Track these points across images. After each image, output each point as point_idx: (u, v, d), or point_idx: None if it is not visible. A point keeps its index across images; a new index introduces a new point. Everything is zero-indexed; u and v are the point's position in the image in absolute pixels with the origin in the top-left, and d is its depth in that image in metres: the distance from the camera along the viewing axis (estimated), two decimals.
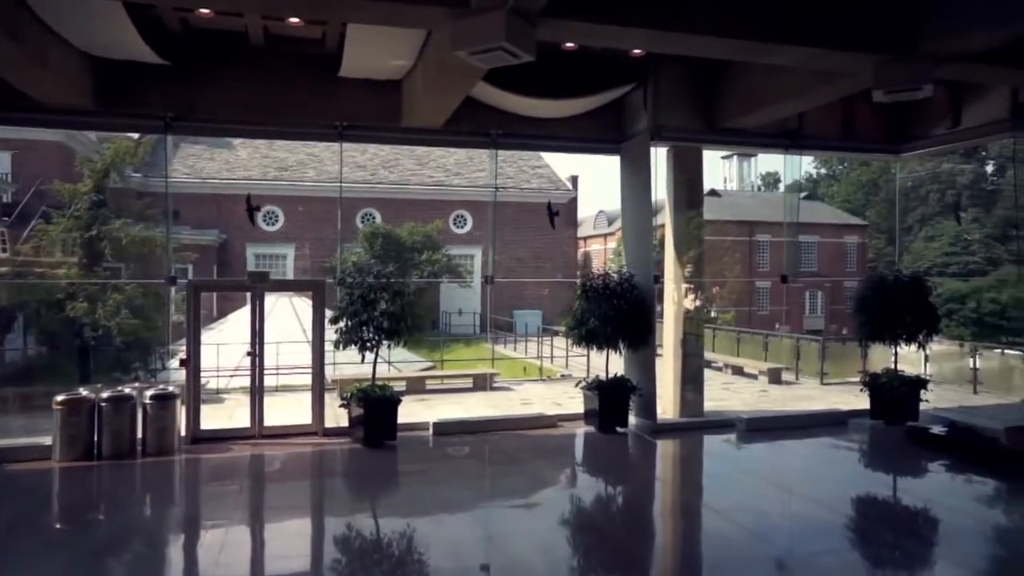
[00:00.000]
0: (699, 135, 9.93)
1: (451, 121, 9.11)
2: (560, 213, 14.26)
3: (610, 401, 9.41)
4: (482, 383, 13.24)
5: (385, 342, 8.93)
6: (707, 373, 14.60)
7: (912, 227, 47.95)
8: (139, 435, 8.16)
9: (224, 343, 12.93)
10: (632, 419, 9.70)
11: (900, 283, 10.33)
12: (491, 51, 5.79)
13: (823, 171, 64.57)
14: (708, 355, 16.52)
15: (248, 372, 9.21)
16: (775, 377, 14.05)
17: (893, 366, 10.43)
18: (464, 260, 29.85)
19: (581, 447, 9.41)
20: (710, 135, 9.92)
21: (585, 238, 47.79)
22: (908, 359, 12.06)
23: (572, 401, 10.70)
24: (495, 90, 8.88)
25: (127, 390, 8.36)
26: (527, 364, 17.30)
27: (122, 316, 15.33)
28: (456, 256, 29.04)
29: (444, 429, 9.40)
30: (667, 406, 10.20)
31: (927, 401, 10.23)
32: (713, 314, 33.56)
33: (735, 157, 60.49)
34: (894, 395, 10.00)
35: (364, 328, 8.67)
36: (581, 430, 9.72)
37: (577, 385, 10.05)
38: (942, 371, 14.63)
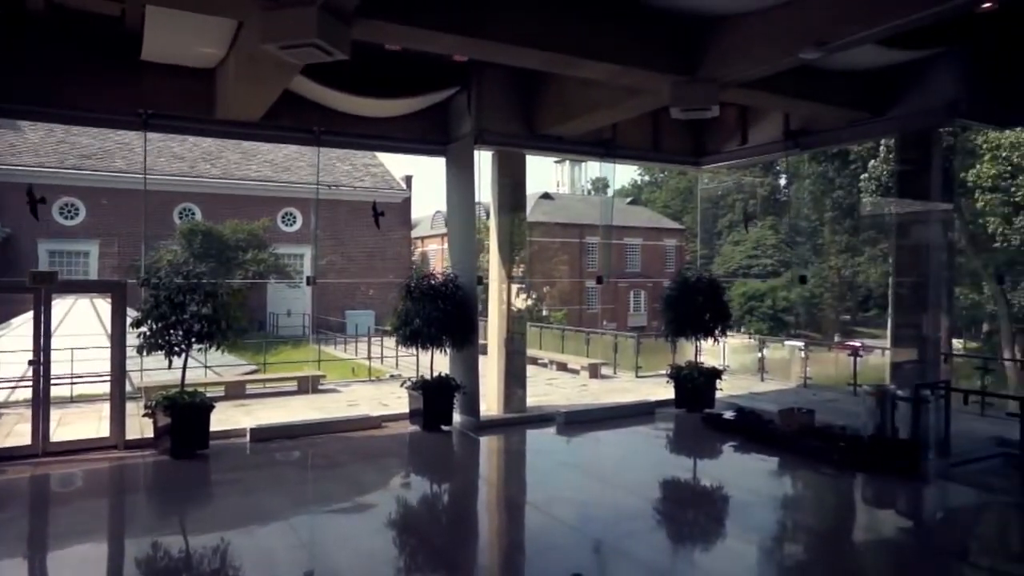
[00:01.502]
0: (521, 140, 10.32)
1: (271, 115, 8.75)
2: (386, 213, 14.11)
3: (434, 400, 9.53)
4: (307, 385, 12.83)
5: (197, 346, 8.41)
6: (533, 370, 15.26)
7: (722, 232, 52.96)
8: None
9: (5, 351, 11.50)
10: (457, 417, 9.88)
11: (700, 284, 11.38)
12: (303, 47, 5.67)
13: (646, 178, 69.47)
14: (535, 352, 17.26)
15: (31, 383, 8.26)
16: (595, 372, 14.94)
17: (694, 359, 11.50)
18: (293, 259, 28.67)
19: (405, 447, 9.42)
20: (531, 141, 10.35)
21: (422, 238, 47.79)
22: (714, 352, 13.39)
23: (400, 401, 10.69)
24: (316, 86, 8.67)
25: None
26: (356, 365, 17.00)
27: None
28: (284, 255, 27.83)
29: (262, 435, 9.02)
30: (491, 403, 10.51)
31: (721, 390, 11.38)
32: (545, 312, 34.97)
33: (567, 161, 63.27)
34: (694, 385, 11.02)
35: (172, 332, 8.09)
36: (406, 430, 9.74)
37: (402, 385, 10.07)
38: (744, 362, 16.38)
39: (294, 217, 29.77)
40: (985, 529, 6.92)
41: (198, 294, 8.21)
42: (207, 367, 13.98)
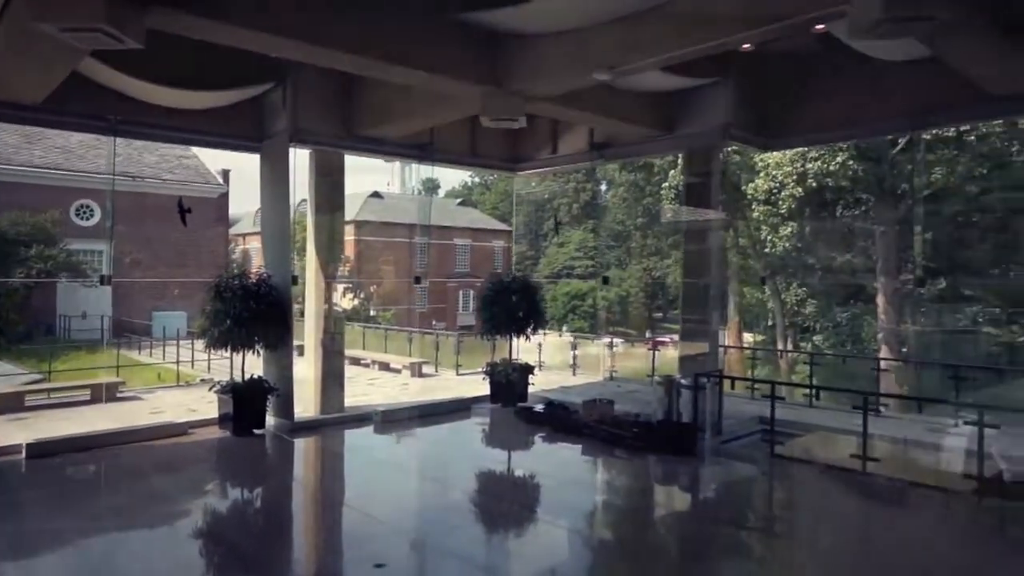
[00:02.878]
0: (338, 140, 10.25)
1: (57, 99, 7.95)
2: (193, 210, 13.33)
3: (245, 403, 9.21)
4: (103, 394, 11.80)
5: None
6: (355, 370, 15.19)
7: (547, 234, 55.35)
8: None
9: None
10: (270, 420, 9.63)
11: (515, 284, 11.98)
12: (87, 31, 5.31)
13: (476, 180, 70.81)
14: (358, 352, 17.17)
15: None
16: (417, 371, 15.16)
17: (509, 356, 12.07)
18: (89, 256, 25.92)
19: (213, 453, 9.02)
20: (349, 141, 10.31)
21: (243, 235, 45.29)
22: (533, 349, 14.09)
23: (211, 406, 10.19)
24: (111, 71, 8.04)
25: None
26: (163, 370, 15.86)
27: None
28: (79, 252, 25.09)
29: (43, 450, 8.18)
30: (308, 405, 10.35)
31: (534, 384, 12.06)
32: (373, 312, 34.58)
33: (398, 161, 62.86)
34: (508, 381, 11.59)
35: None
36: (215, 436, 9.31)
37: (210, 389, 9.63)
38: (564, 359, 17.34)
39: (91, 210, 26.91)
40: (743, 496, 8.02)
41: None
42: None
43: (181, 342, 17.44)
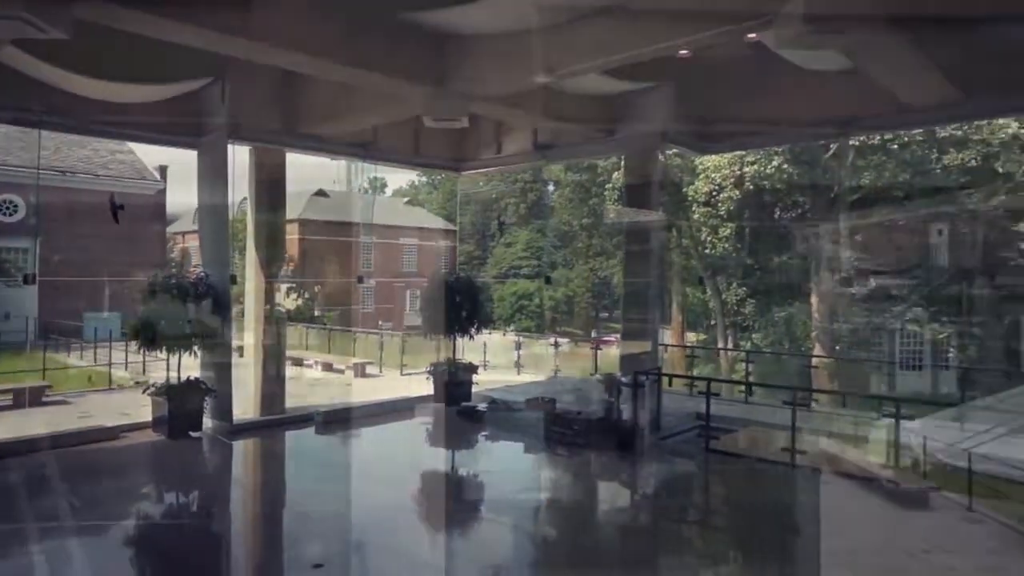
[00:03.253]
0: (279, 137, 10.10)
1: None
2: (125, 206, 12.92)
3: (181, 405, 8.99)
4: (26, 398, 11.30)
5: None
6: (298, 370, 14.96)
7: (495, 234, 55.40)
8: None
9: None
10: (208, 422, 9.40)
11: (458, 285, 11.99)
12: (6, 19, 5.11)
13: (424, 179, 70.36)
14: (300, 353, 16.91)
15: None
16: (361, 371, 15.02)
17: (453, 355, 12.08)
18: (13, 254, 24.74)
19: (146, 457, 8.76)
20: (289, 138, 10.17)
21: (183, 233, 43.92)
22: (479, 348, 14.11)
23: (145, 409, 9.88)
24: (35, 61, 7.71)
25: None
26: (94, 372, 15.29)
27: None
28: (1, 249, 23.95)
29: None
30: (247, 406, 10.16)
31: (478, 384, 12.10)
32: (318, 312, 34.01)
33: (342, 159, 61.91)
34: (452, 380, 11.60)
35: None
36: (148, 439, 9.05)
37: (144, 391, 9.36)
38: (512, 358, 17.44)
39: (15, 206, 25.67)
40: (675, 490, 8.26)
41: None
42: None
43: (115, 344, 16.84)
